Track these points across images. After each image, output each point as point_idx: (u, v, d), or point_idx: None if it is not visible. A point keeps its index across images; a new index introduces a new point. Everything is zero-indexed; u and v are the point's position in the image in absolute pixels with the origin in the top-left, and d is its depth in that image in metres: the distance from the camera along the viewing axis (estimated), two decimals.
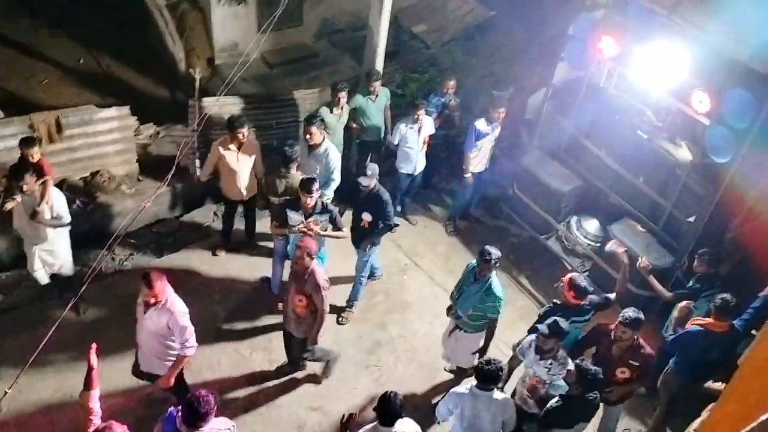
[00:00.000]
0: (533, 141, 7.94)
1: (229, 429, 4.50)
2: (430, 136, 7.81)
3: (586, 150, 7.48)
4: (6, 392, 4.01)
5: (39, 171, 6.00)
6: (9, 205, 5.87)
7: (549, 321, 5.20)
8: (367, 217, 6.61)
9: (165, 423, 4.44)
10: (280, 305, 6.14)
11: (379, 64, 8.05)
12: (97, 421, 4.31)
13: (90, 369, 4.38)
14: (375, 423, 4.60)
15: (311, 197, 6.06)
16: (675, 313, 5.93)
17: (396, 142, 7.73)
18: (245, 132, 6.79)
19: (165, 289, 5.06)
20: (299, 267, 5.57)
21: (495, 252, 5.60)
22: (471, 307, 5.76)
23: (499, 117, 7.49)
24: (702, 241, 6.32)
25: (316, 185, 6.09)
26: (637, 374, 5.39)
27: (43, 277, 6.44)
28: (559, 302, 5.70)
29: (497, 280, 5.76)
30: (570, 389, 4.98)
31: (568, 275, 5.67)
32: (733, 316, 5.54)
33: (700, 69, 5.87)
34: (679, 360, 5.83)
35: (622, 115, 7.16)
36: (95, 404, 4.37)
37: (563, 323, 5.15)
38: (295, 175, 6.55)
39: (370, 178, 6.44)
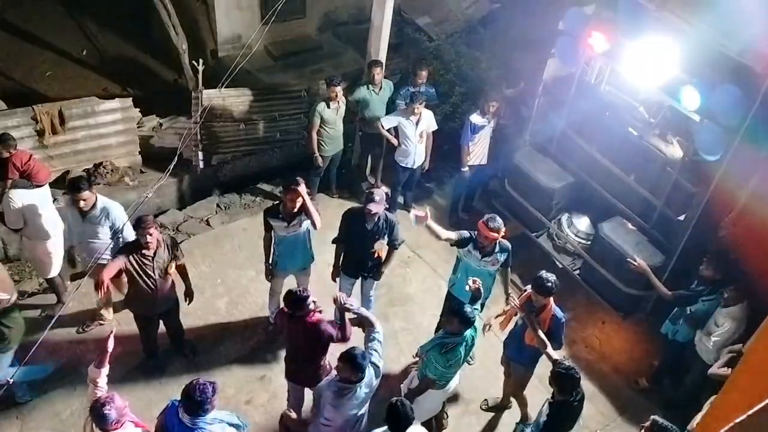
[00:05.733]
0: (525, 137, 7.89)
1: (235, 419, 4.54)
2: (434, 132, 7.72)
3: (577, 147, 7.40)
4: (9, 382, 4.18)
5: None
6: None
7: None
8: (381, 246, 6.15)
9: (167, 414, 4.49)
10: None
11: (383, 57, 8.05)
12: (101, 393, 4.51)
13: (104, 351, 4.60)
14: (385, 428, 4.51)
15: (295, 201, 5.70)
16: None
17: (386, 127, 7.60)
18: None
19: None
20: None
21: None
22: None
23: (491, 110, 7.51)
24: (692, 239, 6.29)
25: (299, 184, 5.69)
26: None
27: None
28: None
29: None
30: (553, 395, 4.89)
31: None
32: None
33: (690, 64, 5.74)
34: None
35: (613, 112, 7.09)
36: (102, 380, 4.62)
37: None
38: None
39: (379, 203, 5.78)
